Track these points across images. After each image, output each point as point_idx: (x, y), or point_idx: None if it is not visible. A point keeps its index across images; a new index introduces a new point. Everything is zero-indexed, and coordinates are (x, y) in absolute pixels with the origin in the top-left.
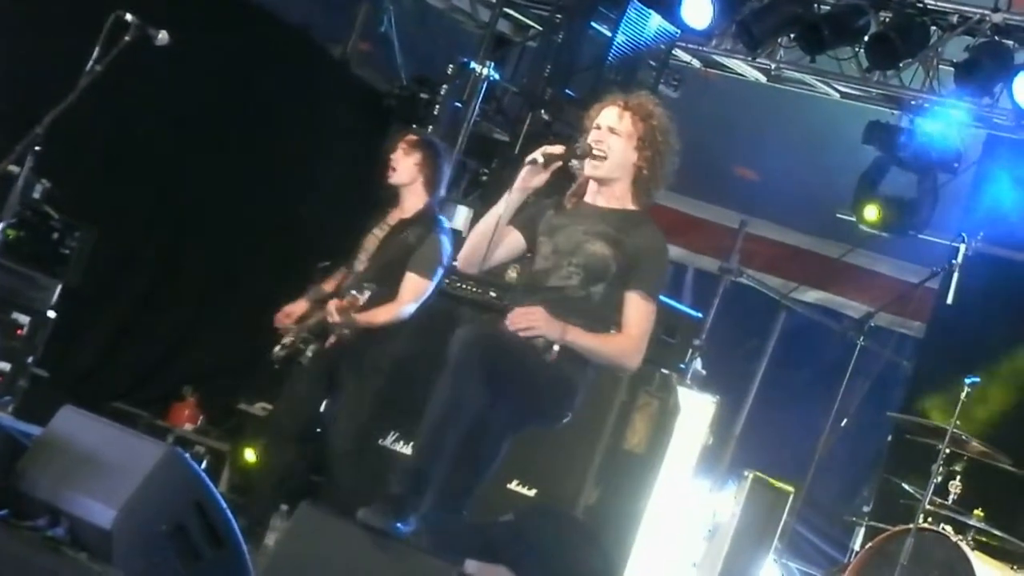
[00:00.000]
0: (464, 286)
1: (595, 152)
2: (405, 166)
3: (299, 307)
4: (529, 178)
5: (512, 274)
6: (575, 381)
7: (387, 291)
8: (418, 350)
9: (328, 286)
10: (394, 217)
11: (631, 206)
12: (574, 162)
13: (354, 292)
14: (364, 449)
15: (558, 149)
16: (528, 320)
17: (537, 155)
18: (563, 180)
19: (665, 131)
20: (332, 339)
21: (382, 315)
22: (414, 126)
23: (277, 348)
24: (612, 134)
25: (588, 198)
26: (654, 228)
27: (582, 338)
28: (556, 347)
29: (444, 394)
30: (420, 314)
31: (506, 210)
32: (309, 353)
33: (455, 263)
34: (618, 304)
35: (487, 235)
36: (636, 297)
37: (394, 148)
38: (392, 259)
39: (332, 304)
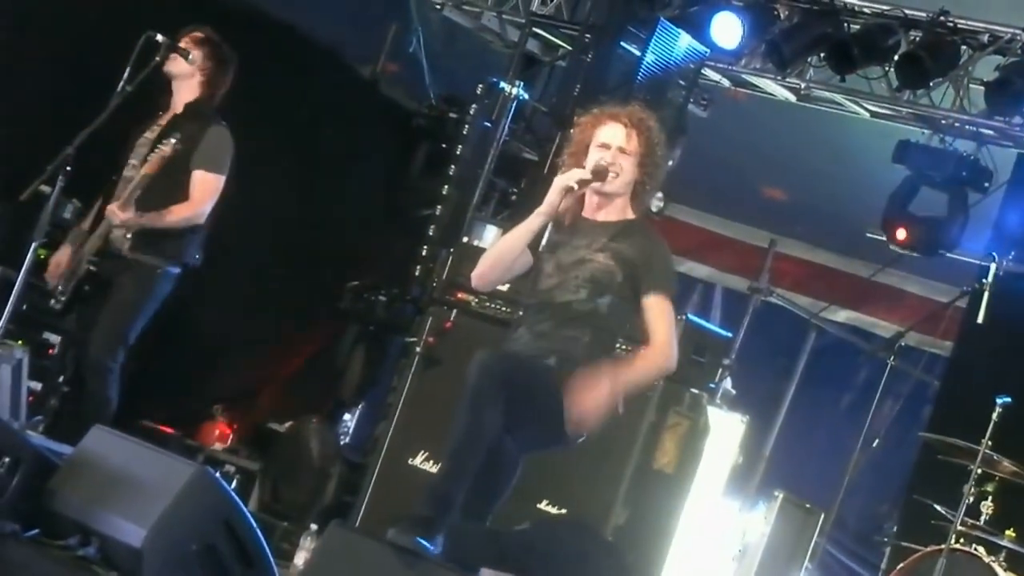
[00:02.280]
0: (492, 305)
1: (610, 172)
2: (182, 64)
3: (64, 254)
4: (558, 203)
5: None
6: None
7: (167, 195)
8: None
9: (85, 224)
10: (166, 118)
11: (628, 216)
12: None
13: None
14: (393, 468)
15: (587, 174)
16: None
17: (572, 182)
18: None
19: (661, 144)
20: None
21: (175, 214)
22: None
23: (52, 301)
24: (623, 154)
25: (587, 213)
26: (652, 232)
27: (627, 381)
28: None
29: (464, 419)
30: (458, 336)
31: (527, 231)
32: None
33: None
34: (632, 313)
35: (508, 256)
36: (654, 299)
37: (174, 47)
38: (168, 156)
39: (114, 207)
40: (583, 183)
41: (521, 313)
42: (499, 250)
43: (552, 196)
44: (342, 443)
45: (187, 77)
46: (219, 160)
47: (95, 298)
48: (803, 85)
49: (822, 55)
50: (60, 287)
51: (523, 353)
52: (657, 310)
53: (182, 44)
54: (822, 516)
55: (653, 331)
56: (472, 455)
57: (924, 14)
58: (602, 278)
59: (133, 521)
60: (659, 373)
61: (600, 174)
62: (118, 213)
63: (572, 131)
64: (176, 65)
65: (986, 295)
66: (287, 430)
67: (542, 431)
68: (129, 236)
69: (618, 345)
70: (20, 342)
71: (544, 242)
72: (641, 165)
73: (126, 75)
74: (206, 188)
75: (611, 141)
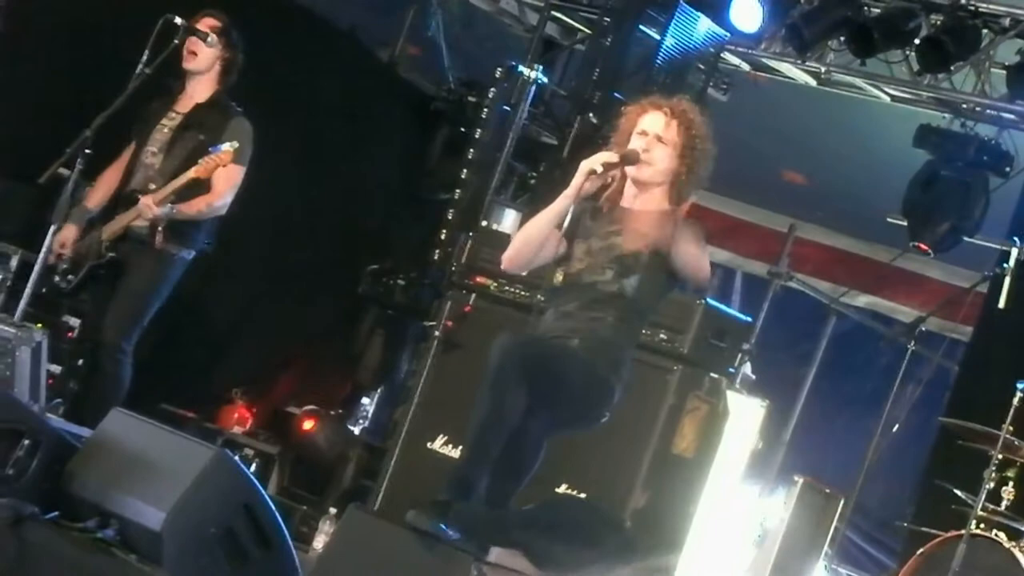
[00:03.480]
0: (512, 289)
1: (643, 159)
2: (207, 54)
3: (70, 232)
4: (587, 186)
5: (559, 276)
6: (611, 383)
7: (191, 185)
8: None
9: (91, 202)
10: (183, 105)
11: (665, 207)
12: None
13: (153, 187)
14: (412, 451)
15: (614, 157)
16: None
17: (596, 165)
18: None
19: (705, 138)
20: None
21: (200, 205)
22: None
23: (58, 279)
24: (659, 143)
25: (625, 202)
26: (687, 223)
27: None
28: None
29: (485, 402)
30: (477, 320)
31: (554, 214)
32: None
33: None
34: (660, 293)
35: (536, 238)
36: (686, 228)
37: (192, 31)
38: (192, 149)
39: (149, 201)
40: (609, 166)
41: (541, 298)
42: (527, 232)
43: (578, 178)
44: (362, 427)
45: (206, 72)
46: (241, 152)
47: (107, 281)
48: (823, 69)
49: (842, 39)
50: (67, 267)
51: (547, 335)
52: (687, 230)
53: (199, 35)
54: (842, 501)
55: (684, 241)
56: (494, 440)
57: None
58: (627, 258)
59: (152, 504)
60: (696, 270)
61: (629, 158)
62: (153, 208)
63: (619, 120)
64: (196, 62)
65: (1007, 280)
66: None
67: (565, 412)
68: (161, 229)
69: (644, 331)
70: (39, 325)
71: (579, 228)
72: (681, 156)
73: (145, 58)
74: (229, 179)
75: (650, 129)
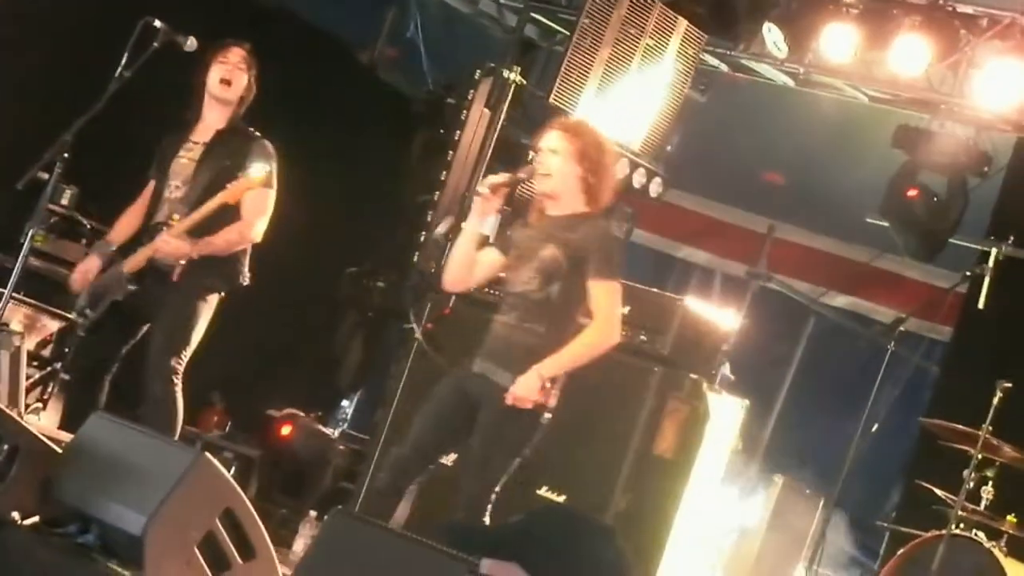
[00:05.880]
0: (491, 292)
1: (540, 172)
2: (242, 81)
3: (92, 264)
4: (481, 207)
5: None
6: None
7: (217, 215)
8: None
9: (115, 236)
10: (201, 135)
11: (582, 210)
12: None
13: (177, 217)
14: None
15: (502, 177)
16: (524, 398)
17: (482, 188)
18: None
19: (598, 144)
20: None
21: (226, 236)
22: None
23: (78, 317)
24: (553, 154)
25: (548, 211)
26: (598, 220)
27: (560, 365)
28: (551, 408)
29: (416, 429)
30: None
31: (469, 235)
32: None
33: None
34: (581, 297)
35: (462, 260)
36: (595, 283)
37: (226, 57)
38: (217, 175)
39: (168, 235)
40: (496, 187)
41: None
42: (454, 255)
43: (474, 202)
44: (341, 429)
45: (233, 100)
46: (271, 175)
47: (129, 315)
48: (802, 70)
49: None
50: (84, 303)
51: (484, 367)
52: (598, 291)
53: (229, 60)
54: (822, 501)
55: (594, 310)
56: (416, 472)
57: None
58: (549, 266)
59: (133, 508)
60: (596, 350)
61: (525, 175)
62: (170, 242)
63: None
64: (232, 91)
65: (986, 280)
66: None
67: (507, 435)
68: (182, 263)
69: (624, 332)
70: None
71: (511, 240)
72: (578, 161)
73: (124, 61)
74: (259, 205)
75: (544, 145)
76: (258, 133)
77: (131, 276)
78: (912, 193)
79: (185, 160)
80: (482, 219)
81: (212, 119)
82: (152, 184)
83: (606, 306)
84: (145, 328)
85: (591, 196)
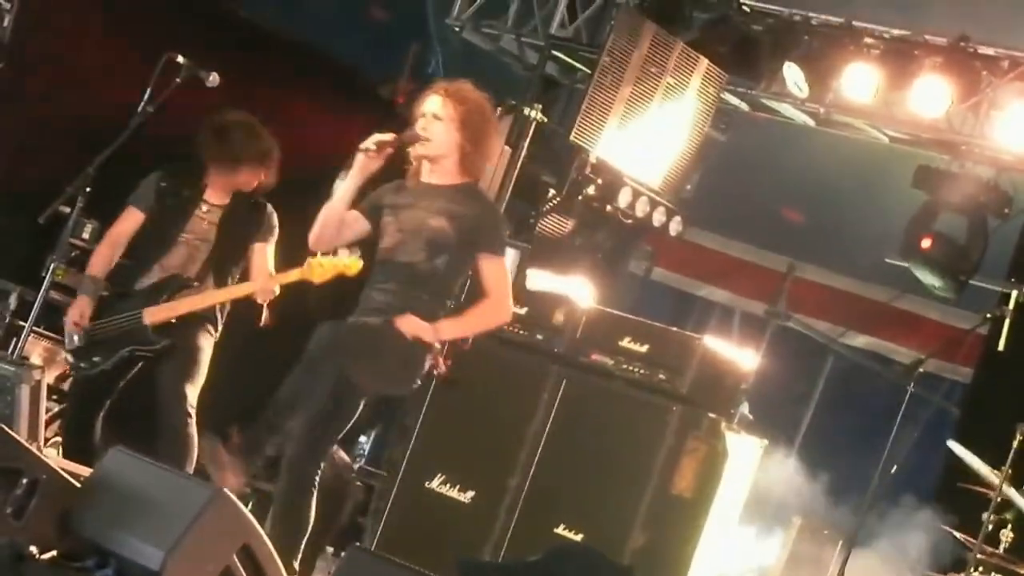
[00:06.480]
0: (511, 328)
1: (422, 136)
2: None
3: (86, 305)
4: (365, 164)
5: (560, 317)
6: (419, 352)
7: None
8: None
9: (98, 270)
10: (216, 196)
11: (460, 180)
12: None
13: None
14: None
15: (388, 136)
16: (409, 329)
17: (369, 143)
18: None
19: (482, 111)
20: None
21: (245, 290)
22: None
23: (74, 358)
24: (435, 119)
25: (424, 177)
26: (483, 196)
27: (456, 330)
28: (438, 346)
29: (291, 382)
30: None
31: (345, 193)
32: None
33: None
34: (465, 270)
35: (332, 219)
36: (487, 259)
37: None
38: (236, 246)
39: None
40: (382, 144)
41: (540, 336)
42: (324, 214)
43: (356, 159)
44: (359, 465)
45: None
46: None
47: (150, 364)
48: (822, 109)
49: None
50: (84, 346)
51: (365, 311)
52: (490, 269)
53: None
54: (840, 542)
55: (487, 288)
56: (294, 414)
57: (944, 40)
58: (438, 240)
59: (151, 543)
60: (494, 323)
61: (408, 139)
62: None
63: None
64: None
65: (1007, 322)
66: None
67: (381, 381)
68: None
69: (449, 303)
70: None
71: (388, 205)
72: (460, 129)
73: (146, 96)
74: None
75: (427, 110)
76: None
77: (156, 329)
78: (926, 244)
79: (206, 223)
80: (360, 178)
81: (226, 185)
82: (137, 216)
83: (499, 283)
84: (139, 367)
85: (469, 164)
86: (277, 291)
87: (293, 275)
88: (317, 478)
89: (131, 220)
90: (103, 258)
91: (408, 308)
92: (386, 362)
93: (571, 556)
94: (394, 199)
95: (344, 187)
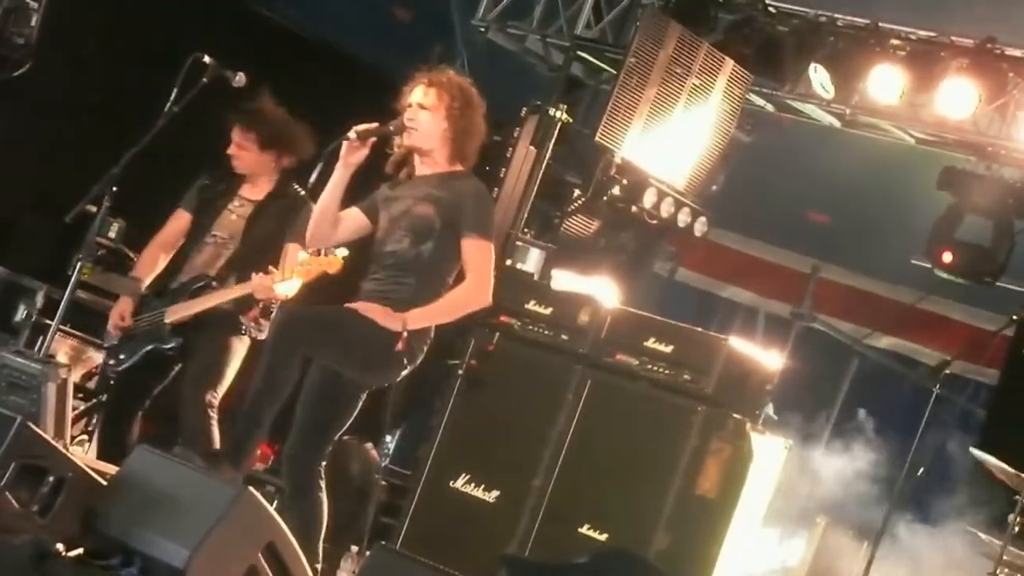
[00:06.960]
0: (535, 328)
1: (408, 126)
2: (244, 159)
3: (127, 306)
4: (348, 155)
5: (584, 317)
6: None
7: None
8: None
9: (143, 272)
10: (252, 192)
11: (448, 168)
12: (396, 139)
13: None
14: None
15: (372, 125)
16: (371, 314)
17: (351, 133)
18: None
19: (467, 98)
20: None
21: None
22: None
23: (106, 355)
24: (421, 109)
25: (417, 170)
26: (470, 179)
27: (427, 317)
28: (405, 334)
29: (261, 373)
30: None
31: (333, 188)
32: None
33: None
34: (453, 257)
35: (325, 214)
36: (469, 240)
37: (231, 137)
38: (265, 242)
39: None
40: (364, 133)
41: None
42: (317, 210)
43: (342, 150)
44: (384, 464)
45: (247, 173)
46: None
47: (164, 359)
48: (848, 111)
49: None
50: (115, 345)
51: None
52: (473, 251)
53: (233, 139)
54: (865, 544)
55: (468, 270)
56: (268, 408)
57: (971, 41)
58: (422, 226)
59: (176, 542)
60: (470, 307)
61: (394, 129)
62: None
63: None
64: (241, 168)
65: None
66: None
67: (359, 368)
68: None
69: (443, 290)
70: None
71: (383, 200)
72: (446, 118)
73: (173, 96)
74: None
75: (412, 99)
76: (303, 192)
77: (174, 328)
78: (947, 259)
79: (235, 217)
80: (346, 169)
81: (261, 181)
82: (184, 217)
83: (480, 265)
84: (177, 368)
85: (457, 151)
86: (278, 292)
87: (278, 275)
88: (321, 480)
89: (177, 222)
90: (149, 260)
91: (392, 294)
92: (350, 347)
93: (618, 560)
94: (388, 194)
95: (331, 182)
